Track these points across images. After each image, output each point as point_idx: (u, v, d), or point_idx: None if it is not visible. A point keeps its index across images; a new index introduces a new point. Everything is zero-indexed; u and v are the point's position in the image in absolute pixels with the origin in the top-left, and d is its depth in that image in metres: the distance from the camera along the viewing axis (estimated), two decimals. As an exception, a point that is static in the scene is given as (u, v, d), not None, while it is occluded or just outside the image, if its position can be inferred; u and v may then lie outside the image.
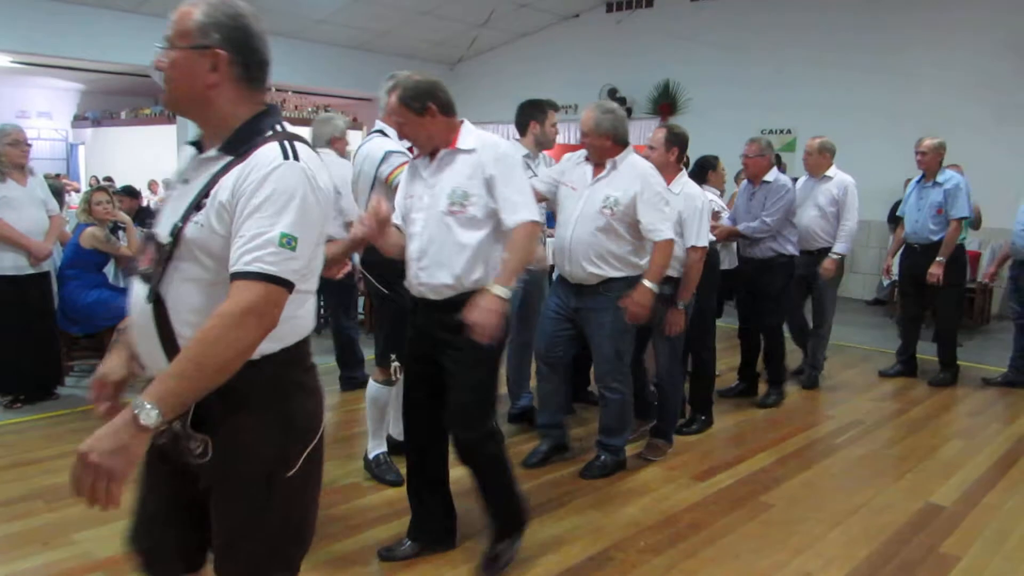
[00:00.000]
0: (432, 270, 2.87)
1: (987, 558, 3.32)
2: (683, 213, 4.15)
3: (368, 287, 3.81)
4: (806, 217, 5.62)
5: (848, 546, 3.40)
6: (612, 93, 12.09)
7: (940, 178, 5.88)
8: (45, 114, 16.68)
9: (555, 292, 4.12)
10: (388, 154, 3.63)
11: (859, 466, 4.39)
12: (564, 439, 4.33)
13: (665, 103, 11.69)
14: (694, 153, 5.28)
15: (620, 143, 3.87)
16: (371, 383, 3.87)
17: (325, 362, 5.26)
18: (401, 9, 11.32)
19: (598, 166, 3.89)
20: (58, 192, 6.64)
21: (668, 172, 4.20)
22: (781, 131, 10.81)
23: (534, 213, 2.82)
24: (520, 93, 5.20)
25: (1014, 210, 6.15)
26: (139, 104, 15.81)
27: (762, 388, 5.59)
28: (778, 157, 6.31)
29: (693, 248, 4.17)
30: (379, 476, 3.91)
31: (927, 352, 6.23)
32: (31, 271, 5.06)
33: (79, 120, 16.95)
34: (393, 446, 4.02)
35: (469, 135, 2.90)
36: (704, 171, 5.50)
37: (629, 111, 11.90)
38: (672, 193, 4.11)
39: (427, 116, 2.83)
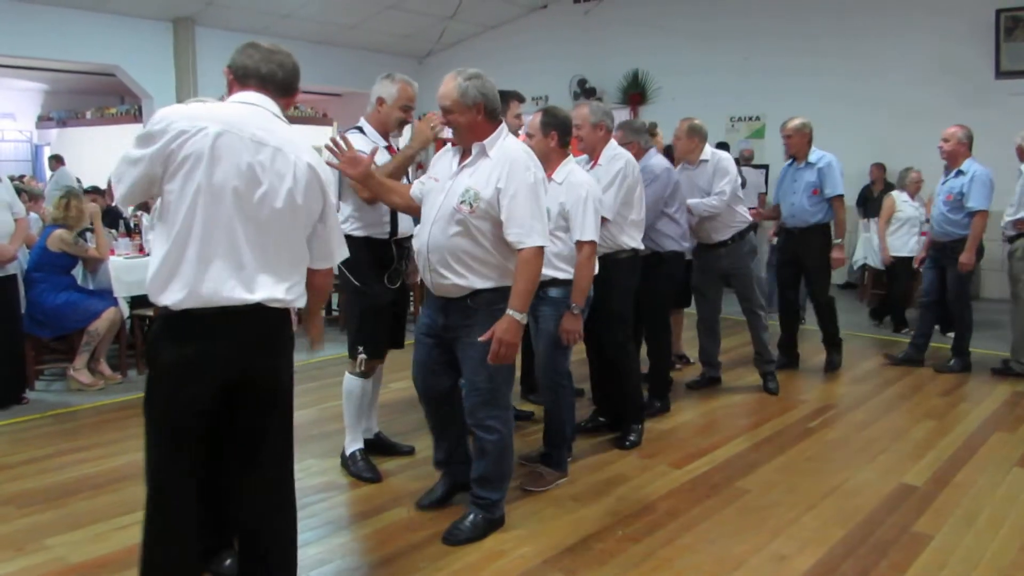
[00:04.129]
0: None
1: (959, 536, 3.37)
2: (565, 204, 3.70)
3: (341, 280, 3.80)
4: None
5: (823, 528, 3.44)
6: (582, 83, 12.11)
7: (812, 158, 5.74)
8: (8, 115, 16.39)
9: (424, 311, 3.49)
10: None
11: (832, 449, 4.45)
12: (464, 476, 3.54)
13: (635, 92, 11.74)
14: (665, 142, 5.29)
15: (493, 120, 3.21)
16: (347, 376, 3.88)
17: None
18: (368, 2, 11.25)
19: (465, 153, 3.27)
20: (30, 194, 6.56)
21: (552, 159, 3.74)
22: (750, 118, 10.89)
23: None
24: (489, 86, 5.18)
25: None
26: (105, 103, 15.55)
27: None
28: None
29: (579, 244, 3.70)
30: (356, 474, 3.89)
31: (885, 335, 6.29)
32: (-4, 274, 4.98)
33: (44, 121, 16.64)
34: (370, 444, 4.06)
35: None
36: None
37: (599, 101, 11.92)
38: (555, 183, 3.72)
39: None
